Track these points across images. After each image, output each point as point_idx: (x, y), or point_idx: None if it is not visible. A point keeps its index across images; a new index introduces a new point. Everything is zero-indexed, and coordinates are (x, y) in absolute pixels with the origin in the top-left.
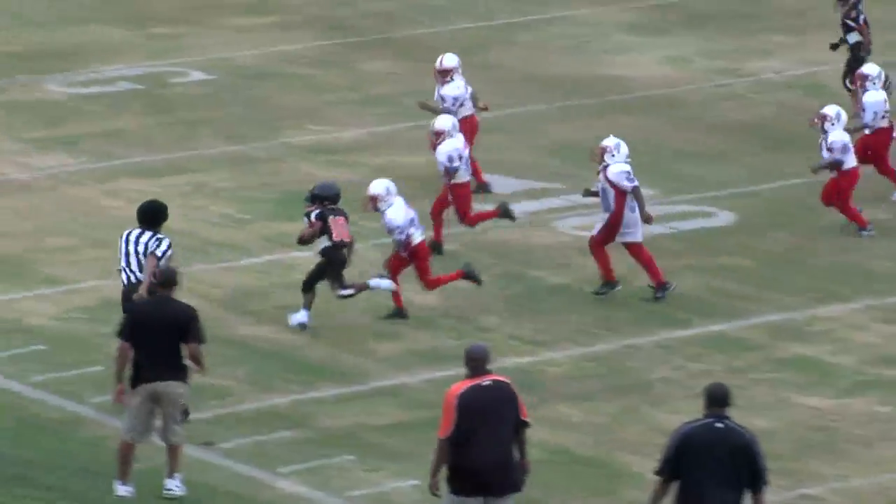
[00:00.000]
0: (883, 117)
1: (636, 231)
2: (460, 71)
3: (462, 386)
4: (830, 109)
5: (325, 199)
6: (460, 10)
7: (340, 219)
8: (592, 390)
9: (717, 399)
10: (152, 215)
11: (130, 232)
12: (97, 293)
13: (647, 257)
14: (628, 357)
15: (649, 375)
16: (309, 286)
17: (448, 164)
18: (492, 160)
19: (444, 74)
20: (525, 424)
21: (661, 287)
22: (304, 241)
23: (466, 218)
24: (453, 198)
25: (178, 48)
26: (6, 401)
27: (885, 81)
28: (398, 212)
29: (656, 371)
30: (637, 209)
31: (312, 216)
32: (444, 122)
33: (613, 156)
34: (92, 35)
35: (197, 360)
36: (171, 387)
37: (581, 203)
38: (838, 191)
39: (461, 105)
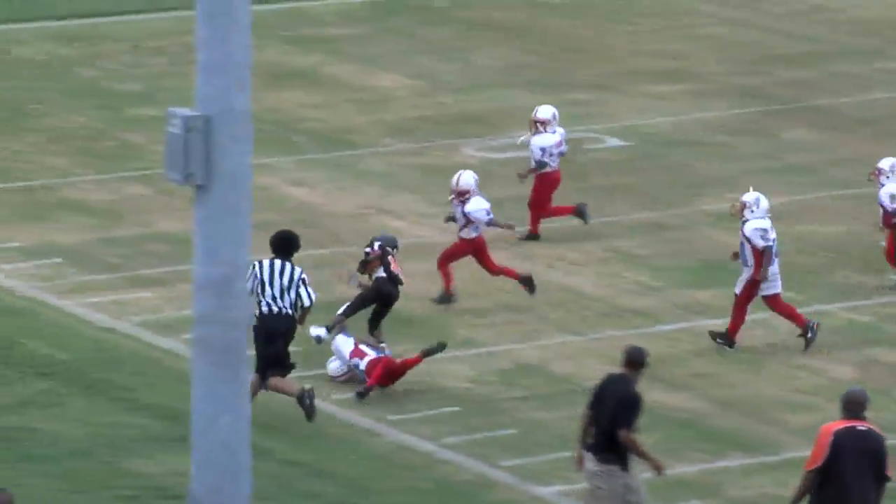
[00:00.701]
0: None
1: (775, 283)
2: (556, 124)
3: (838, 425)
4: (885, 163)
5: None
6: (881, 80)
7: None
8: None
9: (857, 404)
10: (287, 244)
11: (265, 262)
12: (511, 356)
13: (786, 308)
14: None
15: None
16: (373, 326)
17: (484, 217)
18: None
19: (539, 125)
20: (887, 479)
21: (806, 329)
22: (365, 265)
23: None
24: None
25: (593, 114)
26: (419, 461)
27: None
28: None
29: None
30: (776, 263)
31: (375, 246)
32: (467, 179)
33: (752, 211)
34: (507, 100)
35: (631, 445)
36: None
37: None
38: None
39: (550, 156)
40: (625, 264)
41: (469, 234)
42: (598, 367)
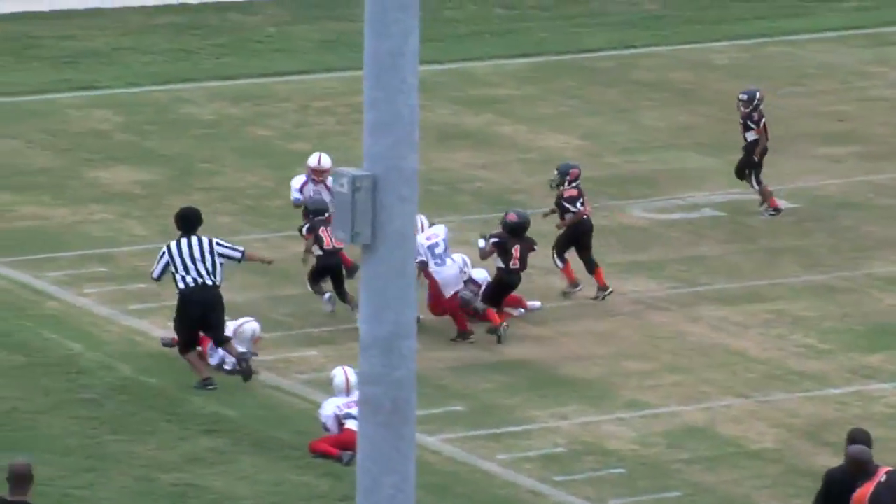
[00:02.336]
0: None
1: None
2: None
3: (867, 489)
4: None
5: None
6: None
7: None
8: None
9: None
10: (191, 220)
11: (173, 243)
12: (677, 418)
13: None
14: None
15: None
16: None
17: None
18: None
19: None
20: None
21: None
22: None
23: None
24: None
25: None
26: None
27: None
28: None
29: None
30: None
31: (304, 230)
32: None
33: None
34: (675, 161)
35: None
36: None
37: None
38: None
39: None
40: (791, 326)
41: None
42: (765, 431)
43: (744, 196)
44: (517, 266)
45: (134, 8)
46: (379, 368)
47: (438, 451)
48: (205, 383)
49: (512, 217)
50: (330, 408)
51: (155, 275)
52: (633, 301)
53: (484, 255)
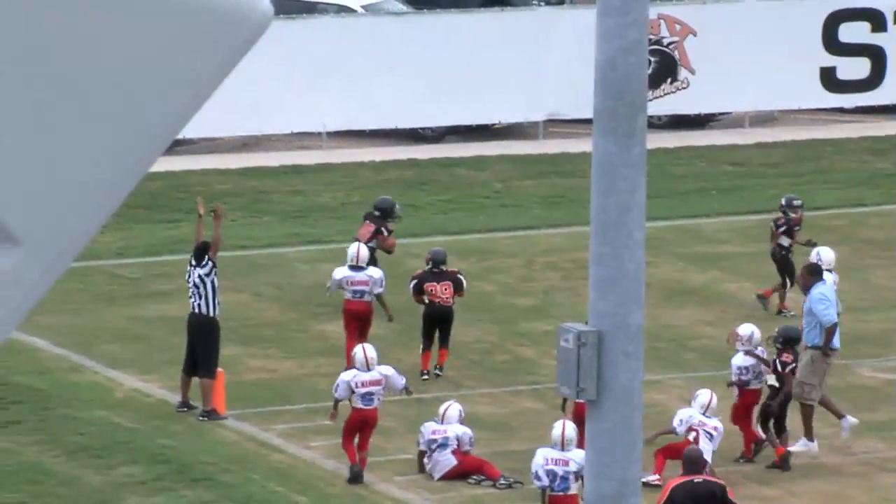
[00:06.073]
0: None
1: None
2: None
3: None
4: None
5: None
6: None
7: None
8: None
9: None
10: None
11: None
12: None
13: None
14: None
15: None
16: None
17: None
18: None
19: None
20: None
21: None
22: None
23: None
24: None
25: None
26: None
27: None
28: None
29: None
30: None
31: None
32: None
33: None
34: None
35: None
36: None
37: None
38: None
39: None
40: None
41: None
42: None
43: None
44: None
45: (363, 163)
46: None
47: None
48: None
49: None
50: (540, 458)
51: None
52: (863, 462)
53: None
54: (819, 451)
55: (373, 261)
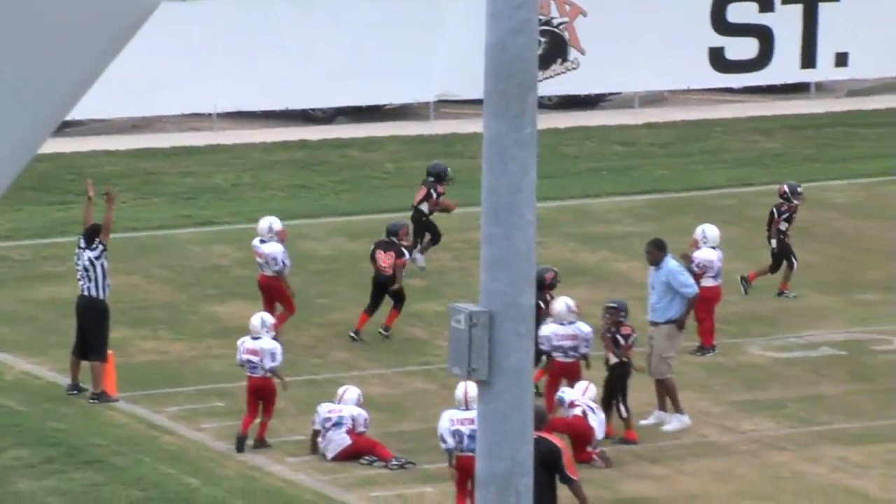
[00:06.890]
0: None
1: None
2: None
3: None
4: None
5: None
6: None
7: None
8: None
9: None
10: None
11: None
12: None
13: None
14: None
15: None
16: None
17: None
18: None
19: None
20: (569, 480)
21: None
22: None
23: None
24: None
25: (880, 315)
26: None
27: None
28: None
29: None
30: None
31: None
32: None
33: None
34: (794, 300)
35: None
36: None
37: None
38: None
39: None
40: None
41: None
42: None
43: (864, 335)
44: None
45: (254, 144)
46: None
47: None
48: None
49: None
50: (445, 421)
51: None
52: (752, 440)
53: None
54: (690, 421)
55: (427, 225)
